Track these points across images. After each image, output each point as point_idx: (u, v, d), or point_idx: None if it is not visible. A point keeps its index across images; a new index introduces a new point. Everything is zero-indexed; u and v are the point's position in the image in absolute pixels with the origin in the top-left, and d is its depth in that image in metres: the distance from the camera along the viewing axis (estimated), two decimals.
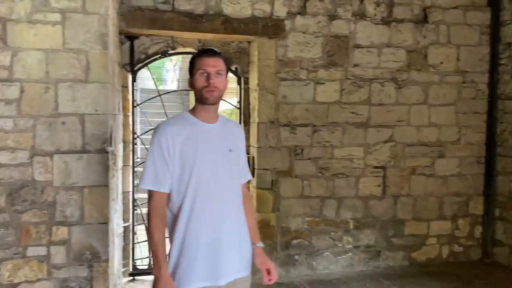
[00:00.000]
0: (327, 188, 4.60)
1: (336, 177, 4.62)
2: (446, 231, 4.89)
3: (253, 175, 4.50)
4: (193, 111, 2.01)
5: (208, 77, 1.90)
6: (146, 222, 1.96)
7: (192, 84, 1.97)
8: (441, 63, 4.79)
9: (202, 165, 1.90)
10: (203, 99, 1.92)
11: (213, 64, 1.91)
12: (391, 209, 4.77)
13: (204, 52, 1.99)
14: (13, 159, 3.00)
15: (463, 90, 4.86)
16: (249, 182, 2.39)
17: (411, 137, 4.78)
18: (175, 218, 1.92)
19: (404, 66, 4.72)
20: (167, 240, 1.95)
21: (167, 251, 1.92)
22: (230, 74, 4.61)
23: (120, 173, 4.10)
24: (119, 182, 3.98)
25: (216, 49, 2.07)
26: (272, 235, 4.42)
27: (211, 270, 1.90)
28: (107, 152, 3.15)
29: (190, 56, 4.28)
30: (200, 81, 1.91)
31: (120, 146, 4.11)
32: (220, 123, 2.01)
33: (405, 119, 4.76)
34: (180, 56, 5.68)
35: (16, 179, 3.02)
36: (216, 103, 1.96)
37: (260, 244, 2.12)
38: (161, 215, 1.90)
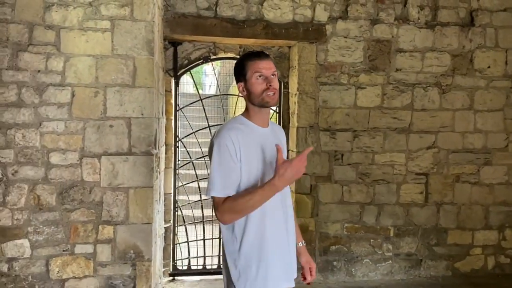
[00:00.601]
0: (367, 194, 4.54)
1: (376, 183, 4.55)
2: (492, 241, 4.71)
3: None
4: (247, 115, 1.94)
5: (266, 79, 1.87)
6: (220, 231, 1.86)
7: (245, 89, 1.91)
8: (488, 67, 4.64)
9: (267, 169, 1.86)
10: (264, 102, 1.88)
11: (269, 66, 1.89)
12: (433, 217, 4.65)
13: (256, 55, 1.93)
14: (64, 160, 3.15)
15: (511, 95, 4.69)
16: None
17: (455, 143, 4.65)
18: (242, 224, 1.85)
19: (449, 71, 4.61)
20: (229, 250, 1.90)
21: (233, 259, 1.88)
22: None
23: (162, 175, 4.20)
24: (161, 184, 4.09)
25: (264, 51, 2.04)
26: (311, 241, 4.41)
27: (286, 270, 1.92)
28: (152, 155, 3.24)
29: (230, 61, 4.19)
30: (258, 84, 1.87)
31: (163, 149, 4.22)
32: (270, 126, 2.00)
33: (449, 124, 4.63)
34: (219, 61, 5.77)
35: (66, 179, 3.16)
36: (276, 105, 1.95)
37: (303, 243, 2.13)
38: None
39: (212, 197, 1.84)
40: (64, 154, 3.15)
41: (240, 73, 1.93)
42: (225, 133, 1.84)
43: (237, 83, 1.95)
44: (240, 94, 1.99)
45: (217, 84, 5.09)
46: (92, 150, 3.18)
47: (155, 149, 3.39)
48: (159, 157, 3.72)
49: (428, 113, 4.60)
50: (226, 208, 1.80)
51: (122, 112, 3.20)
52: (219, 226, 1.98)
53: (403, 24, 4.52)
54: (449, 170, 4.66)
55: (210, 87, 14.35)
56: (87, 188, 3.18)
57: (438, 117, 4.61)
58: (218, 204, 1.82)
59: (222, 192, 1.81)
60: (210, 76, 15.15)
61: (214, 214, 1.91)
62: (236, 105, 5.00)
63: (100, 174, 3.19)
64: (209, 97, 4.81)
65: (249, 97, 1.91)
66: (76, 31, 3.12)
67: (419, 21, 4.54)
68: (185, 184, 4.56)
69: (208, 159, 1.93)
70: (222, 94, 4.76)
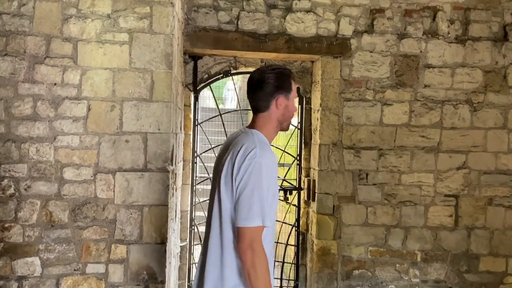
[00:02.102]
0: (393, 216, 4.31)
1: (403, 204, 4.32)
2: None
3: (313, 199, 4.33)
4: (265, 133, 1.81)
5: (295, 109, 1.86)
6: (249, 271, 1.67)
7: (282, 105, 1.81)
8: None
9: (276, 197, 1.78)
10: (285, 128, 1.85)
11: None
12: (464, 242, 4.37)
13: (293, 76, 1.89)
14: (78, 176, 3.05)
15: None
16: None
17: (487, 164, 4.39)
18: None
19: (481, 88, 4.37)
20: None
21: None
22: None
23: (179, 191, 4.08)
24: (177, 201, 3.96)
25: None
26: (333, 264, 4.19)
27: None
28: (168, 171, 3.12)
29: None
30: (294, 109, 1.85)
31: (180, 165, 4.10)
32: None
33: (481, 144, 4.38)
34: (240, 75, 5.68)
35: (79, 195, 3.06)
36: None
37: None
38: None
39: (248, 226, 1.65)
40: (78, 170, 3.05)
41: (284, 86, 1.82)
42: (269, 155, 1.72)
43: (276, 93, 1.80)
44: (273, 106, 1.81)
45: (237, 99, 4.99)
46: (106, 165, 3.07)
47: (172, 165, 3.27)
48: (175, 174, 3.59)
49: (458, 132, 4.36)
50: (261, 255, 1.64)
51: (139, 127, 3.09)
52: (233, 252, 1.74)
53: (432, 38, 4.33)
54: (481, 192, 4.39)
55: (232, 101, 14.35)
56: (101, 205, 3.07)
57: (469, 136, 4.37)
58: (254, 234, 1.64)
59: (261, 221, 1.65)
60: (232, 91, 15.21)
61: (236, 241, 1.71)
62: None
63: (114, 191, 3.08)
64: (229, 112, 4.68)
65: (279, 115, 1.81)
66: (94, 44, 3.05)
67: (449, 35, 4.34)
68: (203, 201, 4.41)
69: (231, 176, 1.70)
70: (242, 110, 4.62)
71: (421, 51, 4.32)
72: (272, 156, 1.74)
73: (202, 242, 1.88)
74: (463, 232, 4.37)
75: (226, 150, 1.80)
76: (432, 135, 4.34)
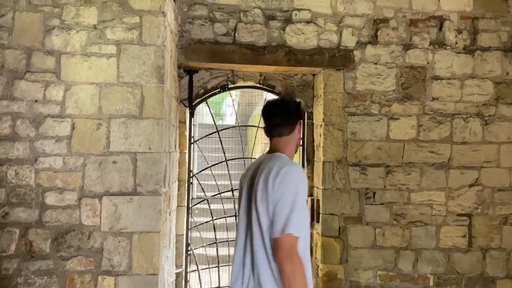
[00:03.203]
0: (402, 237, 4.03)
1: (413, 225, 4.04)
2: None
3: (317, 220, 4.05)
4: (287, 154, 2.03)
5: None
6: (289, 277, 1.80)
7: (300, 130, 2.13)
8: None
9: None
10: (297, 148, 2.14)
11: None
12: (479, 264, 4.09)
13: None
14: (61, 201, 2.78)
15: None
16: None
17: (501, 180, 4.13)
18: None
19: (492, 100, 4.14)
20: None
21: None
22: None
23: (173, 214, 3.80)
24: (172, 225, 3.68)
25: None
26: None
27: None
28: (160, 194, 2.85)
29: (251, 90, 3.95)
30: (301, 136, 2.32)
31: (175, 186, 3.84)
32: None
33: (494, 159, 4.13)
34: (239, 90, 5.45)
35: (62, 222, 2.78)
36: None
37: None
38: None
39: (285, 236, 1.77)
40: (61, 194, 2.78)
41: (300, 114, 2.12)
42: (300, 170, 1.95)
43: (297, 120, 2.07)
44: (296, 131, 2.07)
45: (236, 114, 4.78)
46: (92, 189, 2.81)
47: (164, 187, 3.01)
48: (169, 196, 3.33)
49: (469, 147, 4.12)
50: (299, 264, 1.77)
51: (127, 146, 2.83)
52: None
53: (439, 49, 4.11)
54: (495, 211, 4.12)
55: (231, 117, 14.12)
56: (86, 233, 2.79)
57: (481, 151, 4.12)
58: (292, 243, 1.78)
59: (298, 232, 1.78)
60: (231, 107, 14.99)
61: (274, 252, 1.82)
62: (256, 137, 4.63)
63: (100, 217, 2.80)
64: (227, 128, 4.44)
65: (297, 138, 2.06)
66: (79, 57, 2.81)
67: (457, 45, 4.13)
68: (200, 224, 4.14)
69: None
70: (241, 126, 4.38)
71: (428, 62, 4.10)
72: (302, 171, 1.98)
73: (235, 256, 2.00)
74: (478, 254, 4.10)
75: (254, 172, 1.99)
76: (442, 151, 4.09)
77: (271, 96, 4.45)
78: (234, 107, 5.34)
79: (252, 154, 4.43)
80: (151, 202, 2.84)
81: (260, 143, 7.18)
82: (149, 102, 2.85)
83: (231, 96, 4.50)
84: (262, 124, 2.14)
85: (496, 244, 4.11)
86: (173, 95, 3.55)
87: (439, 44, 4.12)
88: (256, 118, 8.14)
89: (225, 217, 4.21)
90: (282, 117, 2.02)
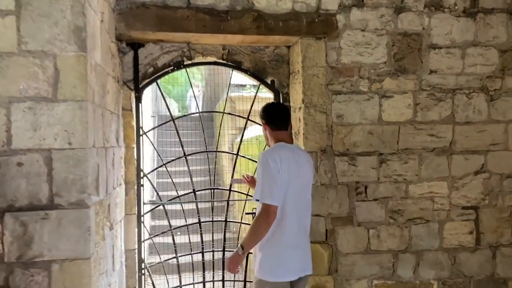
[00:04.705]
0: (401, 238, 3.38)
1: (412, 223, 3.40)
2: None
3: None
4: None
5: None
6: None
7: None
8: None
9: None
10: None
11: None
12: (488, 265, 3.49)
13: None
14: None
15: None
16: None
17: (510, 165, 3.53)
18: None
19: (497, 71, 3.52)
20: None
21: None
22: (266, 92, 3.56)
23: (120, 226, 3.00)
24: (117, 240, 2.88)
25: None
26: None
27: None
28: (88, 206, 2.05)
29: (220, 68, 3.59)
30: None
31: (120, 190, 3.03)
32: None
33: (502, 141, 3.52)
34: (205, 70, 4.67)
35: None
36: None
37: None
38: None
39: None
40: None
41: None
42: None
43: None
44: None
45: (202, 97, 4.00)
46: None
47: (97, 195, 2.21)
48: (108, 205, 2.53)
49: (474, 127, 3.49)
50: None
51: (38, 141, 2.01)
52: None
53: (436, 12, 3.45)
54: (505, 201, 3.53)
55: (196, 109, 13.15)
56: None
57: (486, 131, 3.51)
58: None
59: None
60: (195, 99, 14.02)
61: None
62: (221, 125, 3.85)
63: (2, 243, 1.98)
64: (183, 116, 3.64)
65: None
66: None
67: (456, 7, 3.47)
68: (155, 236, 3.35)
69: None
70: (202, 112, 3.60)
71: (423, 28, 3.43)
72: None
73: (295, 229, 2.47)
74: (487, 253, 3.50)
75: (295, 162, 2.48)
76: (443, 133, 3.44)
77: (237, 74, 3.69)
78: (196, 100, 4.60)
79: (217, 146, 3.64)
80: (75, 218, 2.03)
81: (227, 134, 6.41)
82: (67, 78, 2.03)
83: (196, 88, 3.67)
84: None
85: (506, 239, 3.52)
86: (110, 73, 2.73)
87: (436, 6, 3.45)
88: (224, 103, 7.29)
89: (186, 225, 3.42)
90: (288, 115, 2.66)
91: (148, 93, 7.02)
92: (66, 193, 2.03)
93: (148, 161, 4.37)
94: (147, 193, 3.58)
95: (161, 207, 3.51)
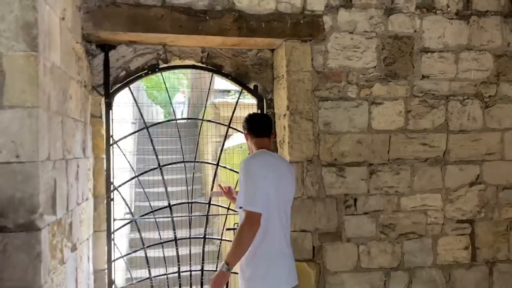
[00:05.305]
0: (393, 255, 3.16)
1: (405, 238, 3.18)
2: None
3: None
4: None
5: None
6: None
7: None
8: None
9: None
10: None
11: None
12: (485, 282, 3.30)
13: None
14: None
15: None
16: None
17: (506, 176, 3.35)
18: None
19: (492, 77, 3.35)
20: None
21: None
22: (250, 99, 3.33)
23: (85, 246, 2.73)
24: (83, 261, 2.60)
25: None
26: None
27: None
28: (39, 229, 1.78)
29: (204, 73, 3.37)
30: None
31: (87, 205, 2.75)
32: None
33: (497, 150, 3.34)
34: (189, 75, 4.42)
35: None
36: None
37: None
38: None
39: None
40: None
41: None
42: None
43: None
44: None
45: (188, 103, 3.74)
46: None
47: (53, 214, 1.95)
48: (69, 224, 2.26)
49: (468, 136, 3.30)
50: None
51: None
52: None
53: (428, 14, 3.26)
54: (501, 214, 3.34)
55: (182, 115, 12.84)
56: None
57: (482, 140, 3.32)
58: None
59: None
60: (181, 105, 13.67)
61: None
62: (203, 132, 3.60)
63: None
64: (158, 123, 3.37)
65: None
66: None
67: (449, 9, 3.29)
68: (127, 255, 3.08)
69: None
70: (180, 119, 3.35)
71: (415, 31, 3.23)
72: None
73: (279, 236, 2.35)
74: (483, 269, 3.30)
75: (278, 170, 2.37)
76: (436, 142, 3.25)
77: (218, 79, 3.45)
78: (185, 106, 4.33)
79: (196, 155, 3.36)
80: (23, 242, 1.76)
81: (210, 142, 6.15)
82: (14, 81, 1.76)
83: (182, 94, 3.42)
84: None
85: (503, 255, 3.33)
86: (74, 77, 2.47)
87: (428, 7, 3.26)
88: (209, 109, 7.03)
89: (161, 243, 3.15)
90: (270, 124, 2.59)
91: (130, 98, 6.74)
92: (13, 214, 1.75)
93: (127, 172, 4.09)
94: (124, 206, 3.29)
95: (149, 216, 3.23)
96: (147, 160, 5.66)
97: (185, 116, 12.20)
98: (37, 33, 1.79)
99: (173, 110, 3.34)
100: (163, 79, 3.24)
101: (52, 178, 1.97)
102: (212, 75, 3.24)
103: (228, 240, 3.32)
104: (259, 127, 2.50)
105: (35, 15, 1.79)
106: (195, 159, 3.25)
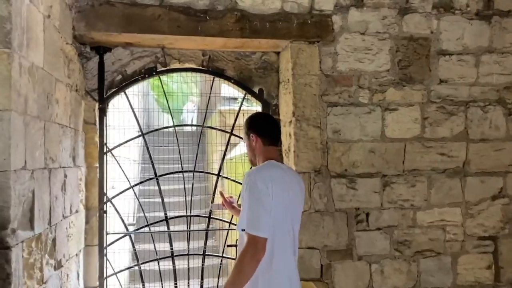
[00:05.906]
0: (408, 274, 2.90)
1: (421, 255, 2.93)
2: None
3: None
4: None
5: None
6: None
7: None
8: None
9: None
10: None
11: None
12: None
13: None
14: None
15: None
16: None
17: None
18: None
19: None
20: None
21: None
22: (254, 106, 3.13)
23: (77, 261, 2.53)
24: (70, 278, 2.41)
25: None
26: None
27: None
28: (9, 247, 1.59)
29: (209, 77, 3.08)
30: None
31: (77, 218, 2.56)
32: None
33: None
34: (198, 81, 4.23)
35: None
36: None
37: None
38: None
39: None
40: None
41: None
42: None
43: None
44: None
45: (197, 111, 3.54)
46: None
47: (30, 229, 1.76)
48: (52, 240, 2.06)
49: (490, 145, 3.05)
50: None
51: None
52: None
53: (446, 14, 3.04)
54: None
55: (192, 122, 12.68)
56: None
57: (505, 150, 3.07)
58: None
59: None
60: (191, 113, 13.52)
61: None
62: (211, 140, 3.40)
63: None
64: (154, 131, 3.18)
65: None
66: None
67: (468, 9, 3.06)
68: (119, 272, 2.87)
69: None
70: (178, 125, 3.16)
71: (432, 32, 3.01)
72: None
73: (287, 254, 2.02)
74: None
75: (288, 185, 2.03)
76: (455, 152, 3.00)
77: (228, 87, 3.25)
78: (194, 114, 4.14)
79: (195, 165, 3.15)
80: None
81: (216, 151, 5.94)
82: None
83: (192, 103, 3.25)
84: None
85: None
86: (62, 80, 2.29)
87: (445, 7, 3.04)
88: (215, 117, 6.81)
89: (157, 259, 2.94)
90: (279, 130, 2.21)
91: (136, 104, 6.57)
92: None
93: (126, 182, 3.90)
94: (125, 217, 3.10)
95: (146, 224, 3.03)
96: (157, 169, 5.46)
97: (194, 122, 12.04)
98: (10, 28, 1.62)
99: (172, 117, 3.13)
100: (161, 83, 3.05)
101: (29, 190, 1.78)
102: (213, 79, 3.04)
103: (231, 258, 3.10)
104: (272, 133, 2.11)
105: (9, 8, 1.61)
106: (194, 168, 3.04)
